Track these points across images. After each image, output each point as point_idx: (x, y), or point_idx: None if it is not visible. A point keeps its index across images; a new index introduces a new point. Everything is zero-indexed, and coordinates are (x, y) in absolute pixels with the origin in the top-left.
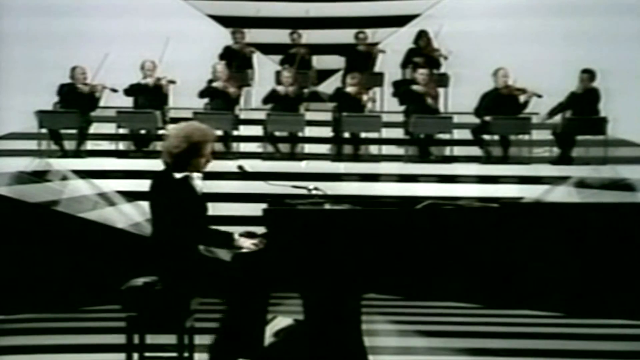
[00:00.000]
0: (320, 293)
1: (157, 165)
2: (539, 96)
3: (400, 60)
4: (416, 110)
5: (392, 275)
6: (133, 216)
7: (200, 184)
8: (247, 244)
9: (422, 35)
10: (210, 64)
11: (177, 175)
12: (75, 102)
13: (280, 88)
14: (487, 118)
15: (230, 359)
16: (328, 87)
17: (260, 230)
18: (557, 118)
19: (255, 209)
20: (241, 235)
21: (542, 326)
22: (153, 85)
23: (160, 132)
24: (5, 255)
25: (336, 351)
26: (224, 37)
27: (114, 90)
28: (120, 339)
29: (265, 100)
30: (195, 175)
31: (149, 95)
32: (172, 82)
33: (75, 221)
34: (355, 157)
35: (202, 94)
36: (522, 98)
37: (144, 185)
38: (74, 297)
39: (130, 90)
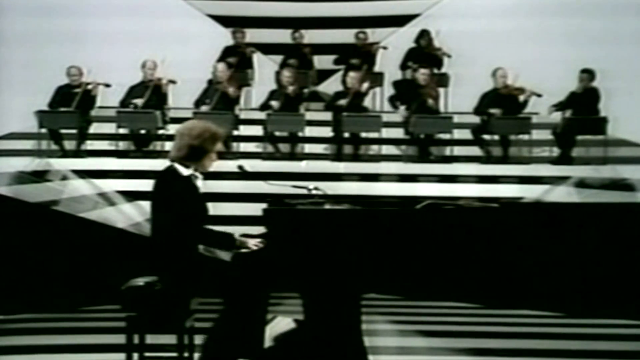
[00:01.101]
0: (320, 293)
1: (157, 165)
2: (539, 95)
3: (400, 60)
4: (416, 111)
5: (392, 275)
6: (133, 216)
7: (201, 185)
8: (250, 243)
9: (423, 34)
10: (210, 64)
11: (184, 173)
12: (72, 102)
13: (274, 103)
14: (492, 111)
15: (230, 359)
16: (328, 87)
17: (259, 230)
18: (558, 118)
19: (255, 209)
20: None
21: (542, 326)
22: (143, 105)
23: (160, 132)
24: (5, 255)
25: (336, 351)
26: (224, 37)
27: (107, 86)
28: (120, 339)
29: (262, 108)
30: (199, 175)
31: (149, 96)
32: (172, 82)
33: (75, 221)
34: (355, 157)
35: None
36: (521, 97)
37: (144, 185)
38: (74, 297)
39: (123, 105)
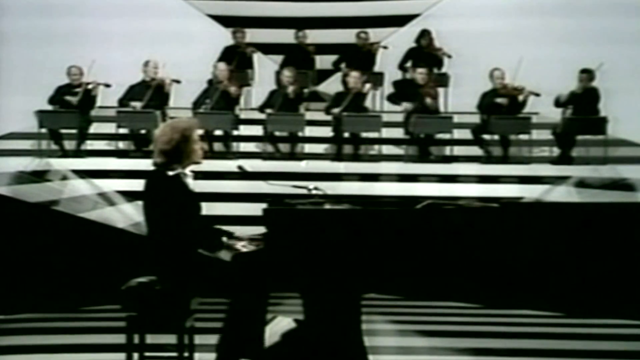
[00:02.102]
0: (320, 293)
1: None
2: (537, 95)
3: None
4: (415, 110)
5: (392, 275)
6: (133, 216)
7: (192, 183)
8: (238, 245)
9: (424, 34)
10: (211, 64)
11: (170, 173)
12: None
13: (269, 111)
14: (499, 100)
15: (233, 359)
16: (328, 87)
17: (258, 230)
18: (558, 118)
19: (255, 209)
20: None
21: (542, 326)
22: (145, 105)
23: None
24: (5, 255)
25: (336, 351)
26: (224, 37)
27: (107, 86)
28: (120, 339)
29: (261, 109)
30: (188, 173)
31: (150, 95)
32: (176, 81)
33: (75, 221)
34: (355, 157)
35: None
36: (520, 97)
37: (144, 185)
38: (74, 297)
39: (121, 104)
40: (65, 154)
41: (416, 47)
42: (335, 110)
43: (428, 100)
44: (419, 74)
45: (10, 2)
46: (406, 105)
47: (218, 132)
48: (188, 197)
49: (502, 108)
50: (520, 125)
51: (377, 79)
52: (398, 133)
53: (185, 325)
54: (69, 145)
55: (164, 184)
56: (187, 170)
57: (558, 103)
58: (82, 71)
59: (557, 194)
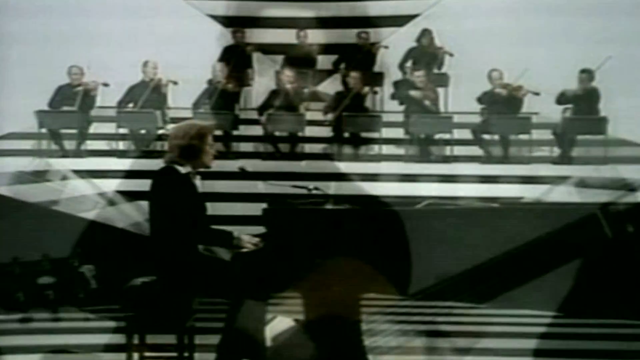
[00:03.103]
0: (320, 293)
1: (157, 165)
2: (537, 94)
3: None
4: (415, 112)
5: (392, 275)
6: (133, 216)
7: (199, 184)
8: (245, 241)
9: (425, 33)
10: (210, 64)
11: (182, 171)
12: (73, 102)
13: (262, 118)
14: (498, 91)
15: (233, 359)
16: (328, 87)
17: (258, 230)
18: (558, 118)
19: (255, 209)
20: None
21: (542, 326)
22: (142, 104)
23: (160, 132)
24: (5, 256)
25: (336, 351)
26: (224, 37)
27: (106, 84)
28: (120, 339)
29: (260, 110)
30: (197, 175)
31: (148, 95)
32: (174, 82)
33: (75, 221)
34: (355, 157)
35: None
36: (519, 95)
37: (144, 185)
38: (74, 297)
39: (120, 105)
40: (65, 154)
41: (417, 47)
42: (329, 116)
43: (427, 102)
44: (417, 77)
45: (11, 2)
46: (415, 94)
47: (218, 132)
48: (196, 198)
49: (501, 96)
50: (520, 125)
51: (377, 79)
52: (398, 133)
53: (185, 325)
54: (69, 145)
55: (174, 181)
56: (196, 171)
57: (563, 97)
58: (82, 71)
59: (557, 194)
